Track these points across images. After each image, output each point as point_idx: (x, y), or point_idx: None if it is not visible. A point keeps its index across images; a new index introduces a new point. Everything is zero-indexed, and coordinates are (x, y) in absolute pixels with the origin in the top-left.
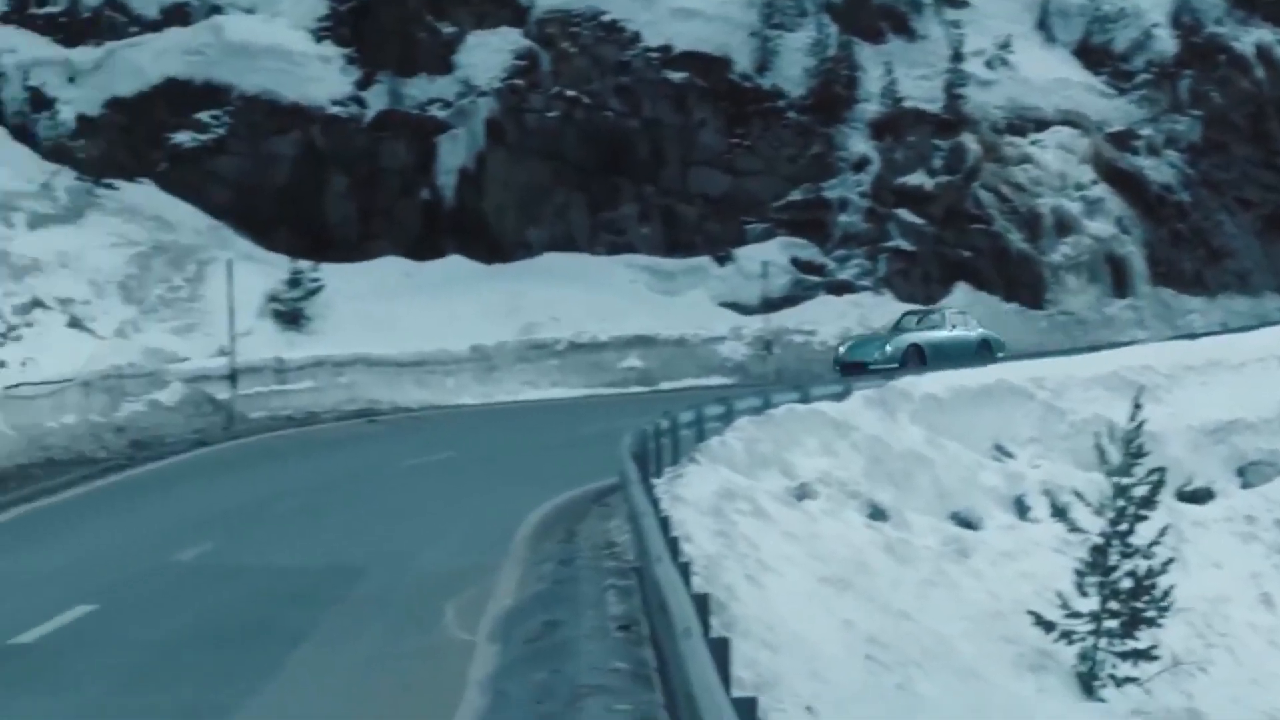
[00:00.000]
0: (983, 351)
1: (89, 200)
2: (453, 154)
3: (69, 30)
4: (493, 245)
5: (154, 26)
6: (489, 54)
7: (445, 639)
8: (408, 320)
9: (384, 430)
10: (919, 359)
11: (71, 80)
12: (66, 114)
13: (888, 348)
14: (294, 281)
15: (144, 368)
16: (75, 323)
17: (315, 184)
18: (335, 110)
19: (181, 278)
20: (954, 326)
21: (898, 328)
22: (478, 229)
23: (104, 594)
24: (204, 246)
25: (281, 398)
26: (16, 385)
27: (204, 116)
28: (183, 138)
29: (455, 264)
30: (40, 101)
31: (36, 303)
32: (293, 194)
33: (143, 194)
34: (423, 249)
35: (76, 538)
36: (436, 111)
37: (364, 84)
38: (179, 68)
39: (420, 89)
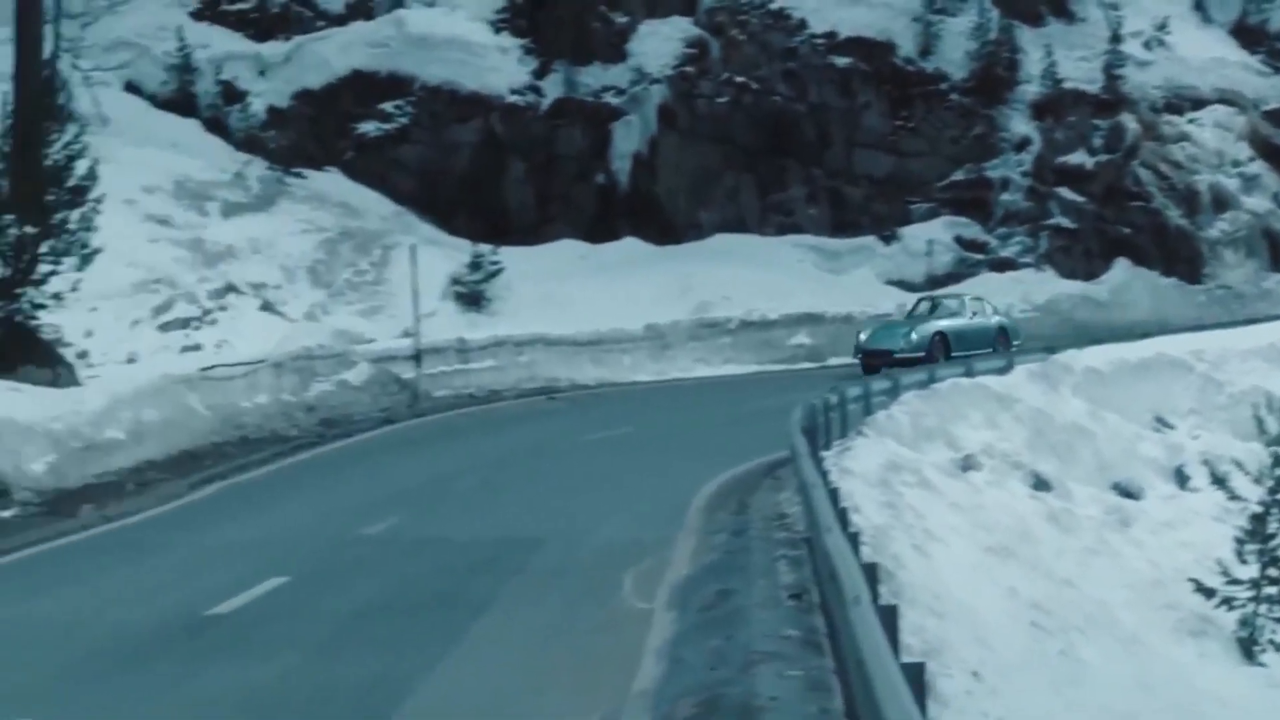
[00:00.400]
0: (1001, 339)
1: (279, 189)
2: (626, 139)
3: (259, 26)
4: (665, 227)
5: (339, 21)
6: (661, 42)
7: (623, 608)
8: (584, 301)
9: (563, 407)
10: (944, 348)
11: (262, 74)
12: (257, 106)
13: (913, 336)
14: (475, 264)
15: (333, 349)
16: (267, 306)
17: (495, 170)
18: (513, 99)
19: (367, 262)
20: (974, 314)
21: (916, 314)
22: (651, 212)
23: (296, 566)
24: (389, 232)
25: (464, 376)
26: (212, 367)
27: (388, 107)
28: (368, 127)
29: (629, 246)
30: (232, 95)
31: (230, 288)
32: (473, 180)
33: (330, 182)
34: (598, 232)
35: (269, 512)
36: (611, 99)
37: (541, 73)
38: (364, 60)
39: (595, 77)
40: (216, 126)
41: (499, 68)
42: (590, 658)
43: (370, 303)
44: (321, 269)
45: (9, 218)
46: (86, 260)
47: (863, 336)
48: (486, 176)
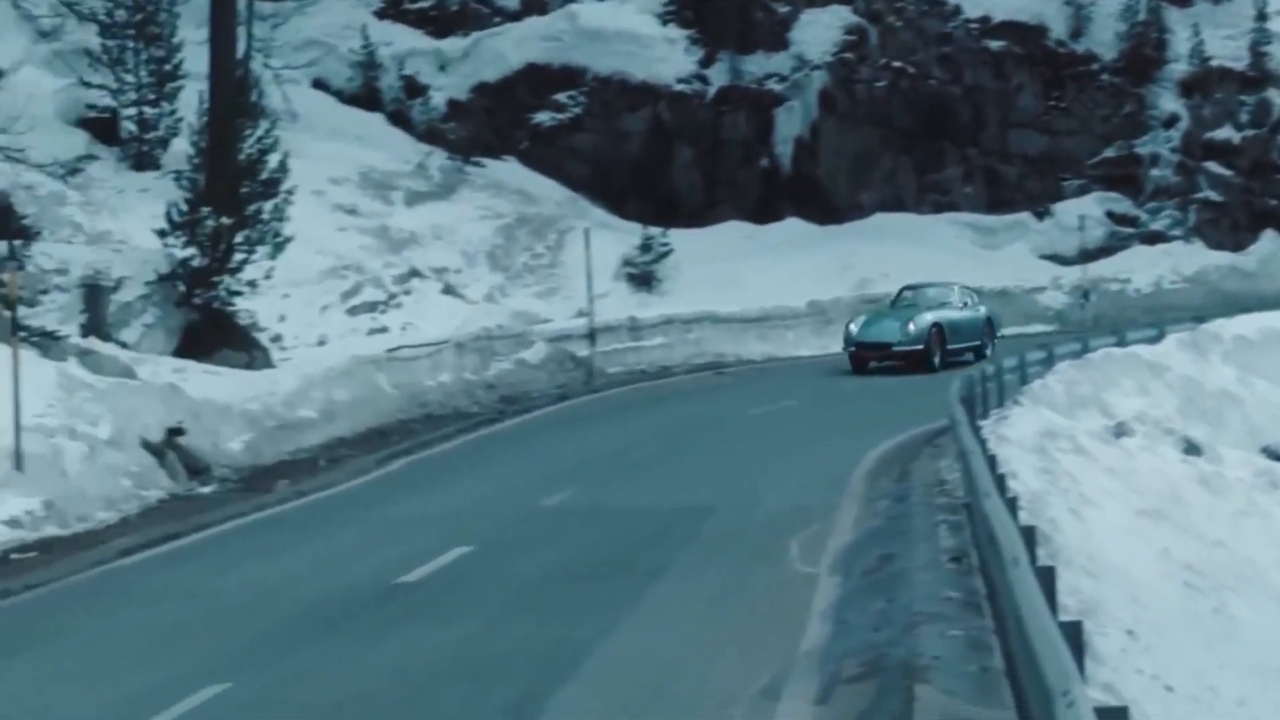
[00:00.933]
0: (988, 330)
1: (459, 177)
2: (789, 124)
3: (439, 23)
4: (827, 208)
5: (515, 16)
6: (821, 30)
7: (790, 572)
8: (750, 279)
9: (730, 381)
10: (940, 340)
11: (442, 69)
12: (438, 99)
13: (910, 327)
14: (645, 246)
15: (511, 329)
16: (449, 290)
17: (663, 156)
18: (680, 87)
19: (543, 246)
20: (965, 304)
21: (903, 304)
22: (813, 193)
23: (479, 536)
24: (563, 217)
25: (636, 354)
26: (398, 348)
27: (561, 97)
28: (543, 117)
29: (792, 226)
30: (414, 89)
31: (414, 272)
32: (643, 166)
33: (507, 170)
34: (762, 213)
35: (453, 486)
36: (773, 85)
37: (706, 62)
38: (538, 54)
39: (758, 65)
40: (400, 119)
41: (667, 58)
42: (759, 620)
43: (546, 285)
44: (500, 253)
45: (206, 210)
46: (279, 249)
47: (853, 328)
48: (656, 162)
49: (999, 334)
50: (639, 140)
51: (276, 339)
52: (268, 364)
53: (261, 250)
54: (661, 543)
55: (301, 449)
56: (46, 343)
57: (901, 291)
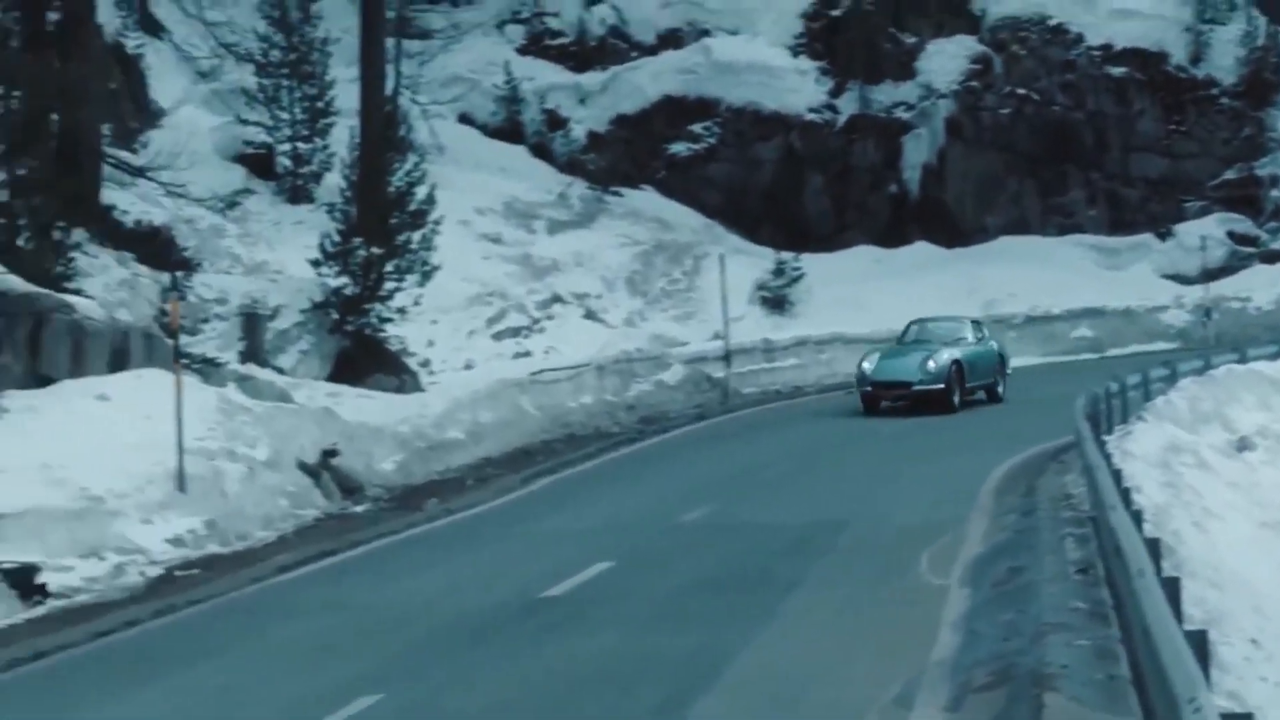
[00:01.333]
0: (999, 368)
1: (599, 206)
2: (916, 151)
3: (578, 58)
4: (954, 231)
5: (651, 51)
6: (947, 60)
7: (921, 584)
8: (879, 301)
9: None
10: (959, 378)
11: (582, 102)
12: (578, 132)
13: (930, 365)
14: (778, 271)
15: (650, 352)
16: (590, 314)
17: (795, 183)
18: (811, 117)
19: (680, 271)
20: (979, 339)
21: (913, 341)
22: (940, 217)
23: (620, 551)
24: (699, 243)
25: (770, 374)
26: (541, 371)
27: (696, 128)
28: (679, 147)
29: (920, 249)
30: (556, 122)
31: (556, 298)
32: (775, 193)
33: (644, 199)
34: (891, 237)
35: (594, 503)
36: (901, 113)
37: (836, 92)
38: (674, 86)
39: (886, 94)
40: (541, 151)
41: (798, 89)
42: (892, 630)
43: (683, 309)
44: (638, 279)
45: (358, 240)
46: (427, 277)
47: (867, 366)
48: (787, 189)
49: (1009, 371)
50: (771, 168)
51: (425, 364)
52: (417, 388)
53: (410, 278)
54: (796, 556)
55: (450, 469)
56: (207, 369)
57: (909, 327)
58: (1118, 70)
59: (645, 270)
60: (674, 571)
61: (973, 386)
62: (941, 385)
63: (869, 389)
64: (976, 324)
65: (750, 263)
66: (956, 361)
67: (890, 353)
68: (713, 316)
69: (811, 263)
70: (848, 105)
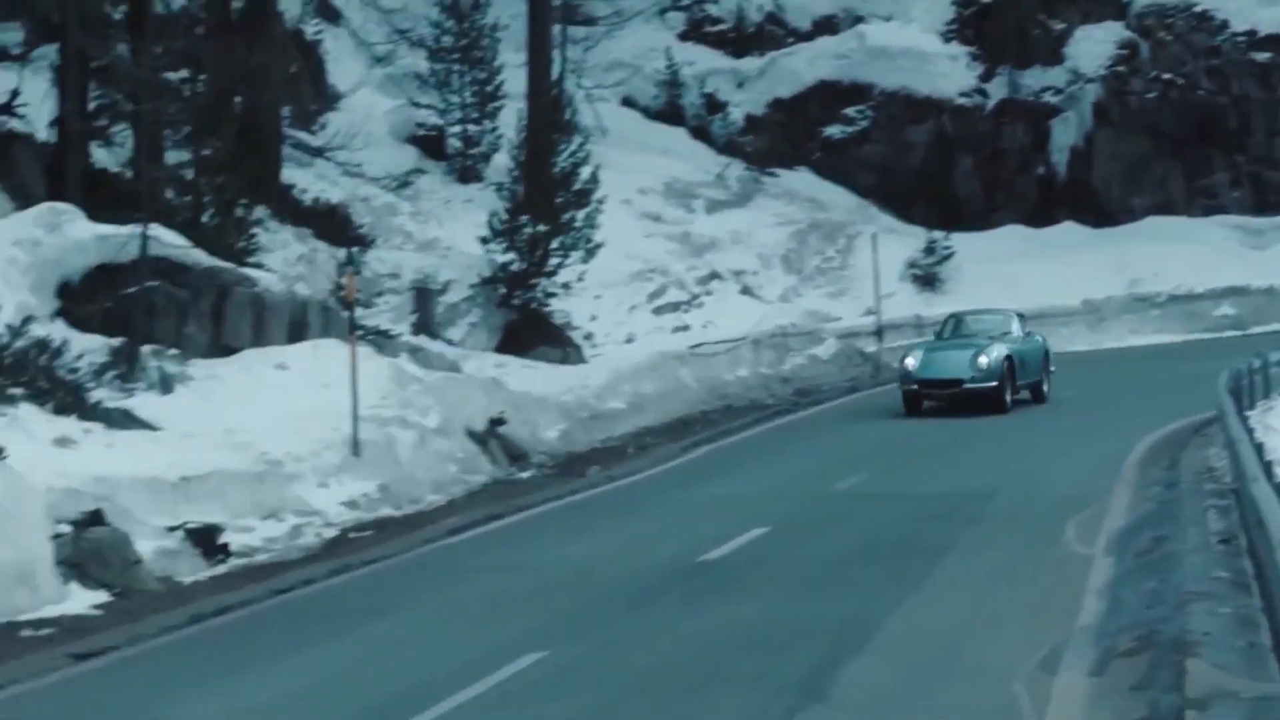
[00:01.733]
0: (1045, 365)
1: (755, 187)
2: (1064, 134)
3: (736, 44)
4: (1100, 212)
5: (807, 37)
6: (1094, 45)
7: (1066, 552)
8: (1027, 279)
9: None
10: (1011, 376)
11: (740, 86)
12: (736, 115)
13: (982, 361)
14: (929, 249)
15: (804, 327)
16: (746, 290)
17: (945, 165)
18: (961, 101)
19: (833, 249)
20: (1026, 333)
21: (959, 333)
22: (1087, 198)
23: (775, 518)
24: (852, 222)
25: None
26: (699, 345)
27: (850, 111)
28: (833, 130)
29: (1068, 230)
30: (714, 105)
31: (714, 274)
32: (926, 174)
33: (799, 180)
34: (1039, 217)
35: (750, 471)
36: (1049, 98)
37: (986, 77)
38: (829, 71)
39: (1035, 79)
40: (701, 134)
41: (949, 74)
42: (1038, 597)
43: (836, 285)
44: (793, 256)
45: (525, 218)
46: (590, 254)
47: (912, 363)
48: (938, 171)
49: (1053, 368)
50: (923, 150)
51: (588, 336)
52: (580, 360)
53: (575, 255)
54: (946, 524)
55: (611, 437)
56: (381, 340)
57: (949, 321)
58: (1262, 56)
59: (800, 248)
60: (827, 538)
61: (1023, 384)
62: (995, 383)
63: (914, 387)
64: (1021, 317)
65: (902, 241)
66: (1009, 357)
67: (935, 348)
68: (865, 293)
69: (961, 241)
70: (997, 90)
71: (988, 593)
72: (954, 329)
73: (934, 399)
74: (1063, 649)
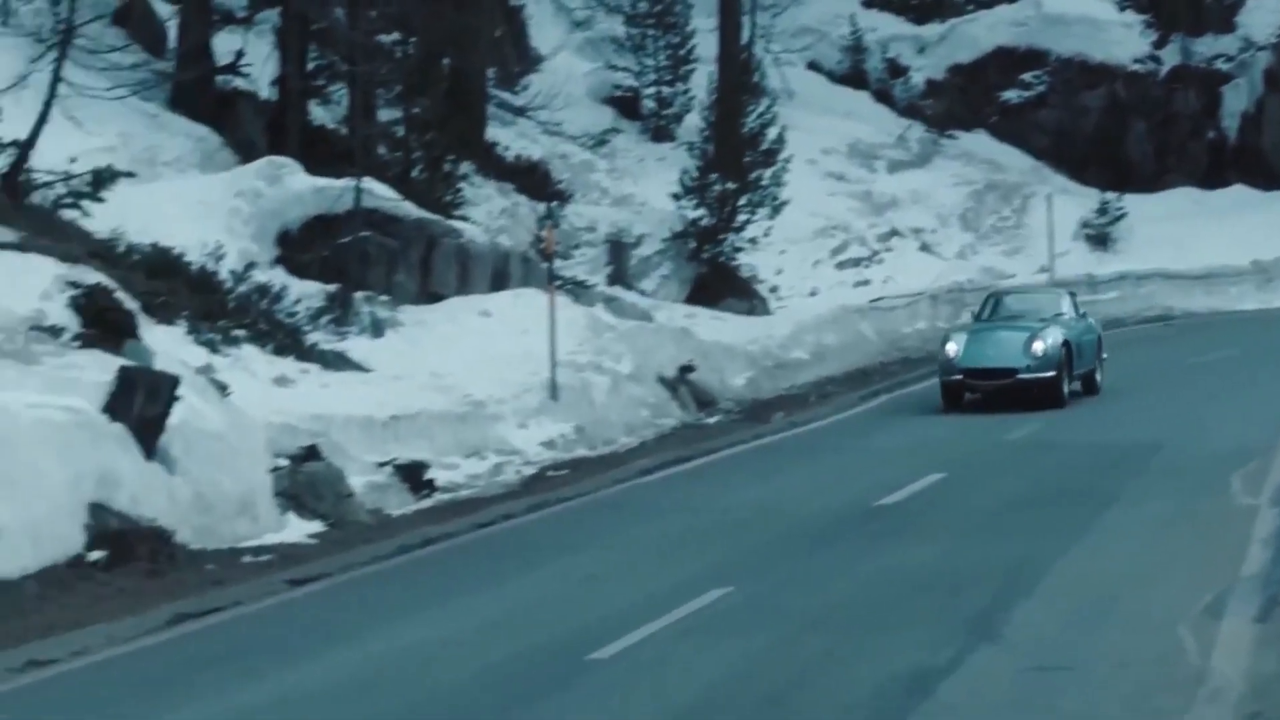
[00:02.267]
0: (1098, 351)
1: (934, 149)
2: (1235, 100)
3: (919, 10)
4: (1270, 175)
5: (986, 4)
6: (1266, 14)
7: (1232, 503)
8: (1196, 240)
9: (1175, 333)
10: (1068, 365)
11: (921, 51)
12: (917, 79)
13: (1037, 347)
14: (1102, 210)
15: (979, 283)
16: (925, 248)
17: (1118, 129)
18: (1135, 67)
19: (1009, 209)
20: (1081, 313)
21: (1001, 316)
22: (1257, 162)
23: (949, 465)
24: (1027, 184)
25: (1091, 306)
26: (879, 299)
27: (1027, 77)
28: (1010, 94)
29: (1237, 193)
30: (896, 70)
31: (894, 232)
32: (1100, 138)
33: (977, 142)
34: (1209, 180)
35: (926, 420)
36: (1221, 65)
37: (1159, 44)
38: (1006, 37)
39: (1207, 46)
40: (883, 97)
41: (1122, 40)
42: (1202, 545)
43: (1011, 244)
44: (970, 216)
45: (714, 176)
46: (776, 211)
47: (954, 348)
48: (1111, 134)
49: (1105, 355)
50: (1096, 115)
51: (774, 289)
52: (766, 311)
53: (761, 212)
54: (1113, 474)
55: (794, 386)
56: (578, 290)
57: (990, 300)
58: None
59: (977, 207)
60: (999, 485)
61: (1079, 374)
62: (1052, 373)
63: (956, 378)
64: (1072, 295)
65: (1075, 202)
66: (1067, 343)
67: (980, 332)
68: (1039, 251)
69: (1133, 203)
70: (1170, 57)
71: (1153, 540)
72: (995, 310)
73: (979, 391)
74: (1227, 596)
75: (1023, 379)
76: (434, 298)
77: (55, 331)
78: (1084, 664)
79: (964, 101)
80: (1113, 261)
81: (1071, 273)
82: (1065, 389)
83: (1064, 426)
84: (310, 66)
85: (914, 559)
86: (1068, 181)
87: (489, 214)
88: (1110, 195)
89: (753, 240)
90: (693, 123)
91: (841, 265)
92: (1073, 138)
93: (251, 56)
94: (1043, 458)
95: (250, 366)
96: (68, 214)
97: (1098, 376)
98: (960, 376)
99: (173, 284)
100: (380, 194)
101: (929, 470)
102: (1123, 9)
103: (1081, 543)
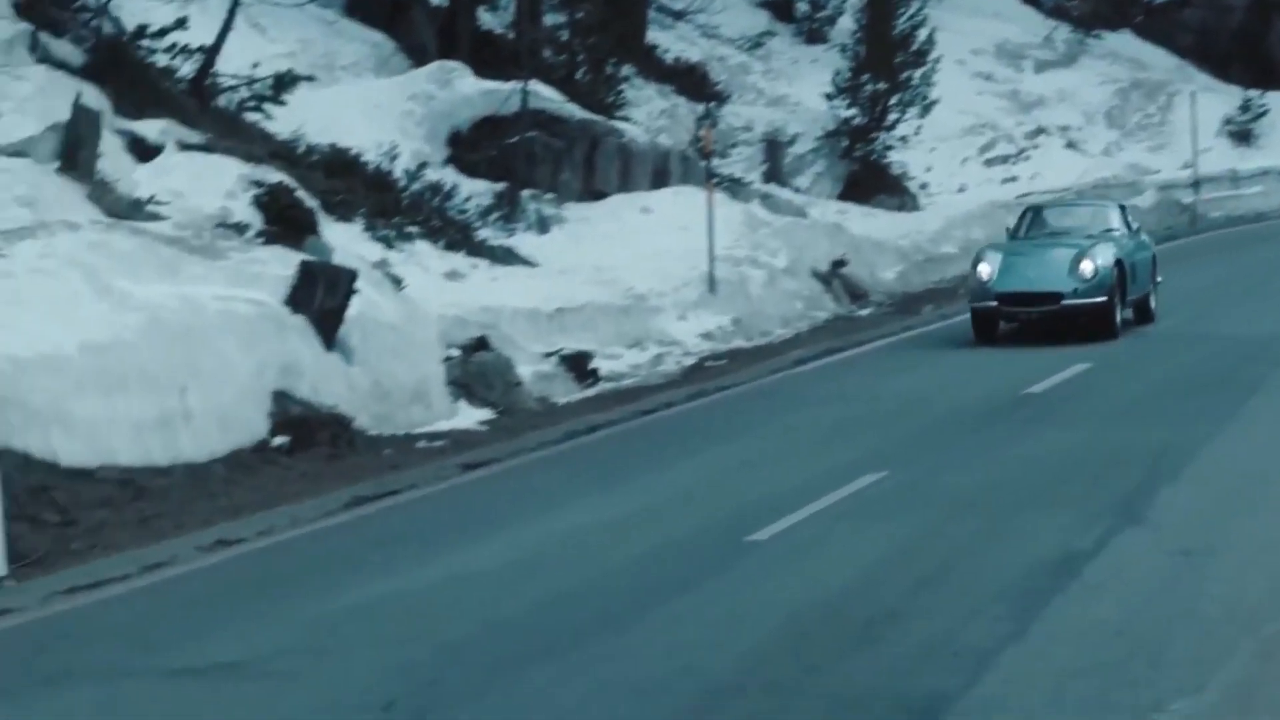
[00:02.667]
0: (1153, 274)
1: (1080, 48)
2: None
3: None
4: None
5: None
6: None
7: None
8: None
9: None
10: (1121, 287)
11: None
12: None
13: (1085, 268)
14: (1244, 107)
15: (1124, 179)
16: (1070, 145)
17: (1262, 27)
18: None
19: (1154, 107)
20: (1137, 229)
21: (1041, 232)
22: None
23: (1097, 355)
24: (1171, 82)
25: (1234, 201)
26: (1026, 195)
27: None
28: None
29: None
30: None
31: (1040, 130)
32: (1243, 36)
33: (1122, 41)
34: None
35: None
36: None
37: None
38: None
39: None
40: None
41: None
42: None
43: (1155, 141)
44: (1115, 113)
45: (866, 77)
46: (926, 110)
47: (987, 270)
48: (1255, 33)
49: (1159, 279)
50: (1241, 14)
51: (924, 186)
52: (916, 207)
53: (912, 111)
54: (1258, 363)
55: (944, 279)
56: (735, 187)
57: (1029, 213)
58: None
59: (1122, 105)
60: (1144, 374)
61: (1132, 299)
62: (1104, 298)
63: (990, 304)
64: (1123, 209)
65: (1218, 99)
66: (1119, 262)
67: (1018, 251)
68: (1183, 148)
69: (1276, 100)
70: None
71: None
72: (1035, 224)
73: (1016, 319)
74: None
75: (1069, 305)
76: (597, 195)
77: (240, 228)
78: (1229, 547)
79: (1109, 2)
80: (1255, 157)
81: (1215, 168)
82: (1118, 317)
83: (1211, 317)
84: None
85: (1060, 445)
86: (1211, 80)
87: (649, 114)
88: (1253, 93)
89: (903, 139)
90: (845, 25)
91: (989, 162)
92: (1216, 36)
93: None
94: (1188, 347)
95: (423, 261)
96: (251, 116)
97: (1152, 302)
98: (995, 303)
99: (350, 183)
100: (546, 96)
101: (1077, 360)
102: None
103: (1227, 429)
